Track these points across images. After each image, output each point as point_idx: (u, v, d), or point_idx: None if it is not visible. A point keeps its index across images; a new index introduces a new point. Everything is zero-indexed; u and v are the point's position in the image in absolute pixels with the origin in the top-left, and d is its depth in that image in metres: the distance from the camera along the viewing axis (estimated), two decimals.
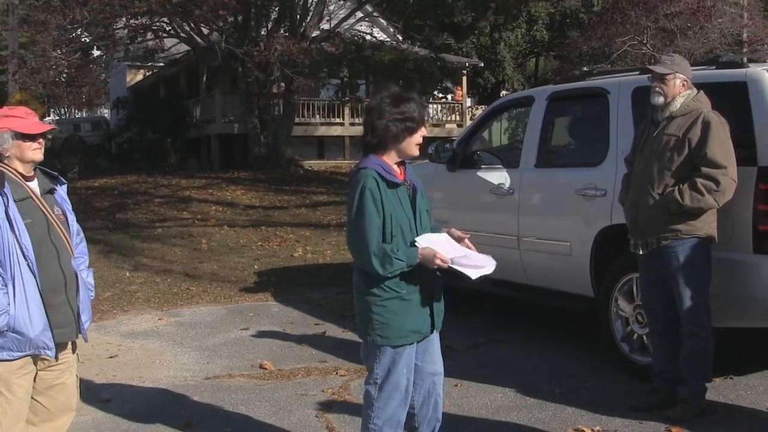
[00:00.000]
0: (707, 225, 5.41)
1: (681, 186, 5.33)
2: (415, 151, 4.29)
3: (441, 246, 4.18)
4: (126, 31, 23.50)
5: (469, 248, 4.36)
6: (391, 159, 4.24)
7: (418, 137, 4.24)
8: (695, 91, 5.54)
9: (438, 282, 4.36)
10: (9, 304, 3.80)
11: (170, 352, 7.87)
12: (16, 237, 3.82)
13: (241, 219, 16.79)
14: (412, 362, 4.34)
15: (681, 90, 5.51)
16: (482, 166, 8.11)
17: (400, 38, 29.42)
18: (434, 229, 4.39)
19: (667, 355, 5.66)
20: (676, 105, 5.49)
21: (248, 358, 7.55)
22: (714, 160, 5.28)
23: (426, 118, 4.41)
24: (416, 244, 4.13)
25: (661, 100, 5.52)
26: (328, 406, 6.06)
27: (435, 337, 4.45)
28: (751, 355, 6.49)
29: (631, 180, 5.77)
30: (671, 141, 5.43)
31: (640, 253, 5.63)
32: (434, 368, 4.47)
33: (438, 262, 4.09)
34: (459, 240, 4.36)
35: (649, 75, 5.66)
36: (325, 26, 25.81)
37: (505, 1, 23.30)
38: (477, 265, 4.23)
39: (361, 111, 31.61)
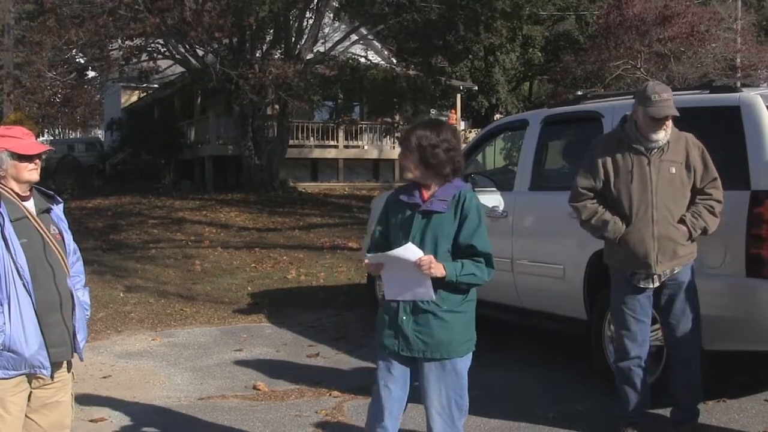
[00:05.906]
0: (696, 247, 5.43)
1: (702, 212, 5.26)
2: (405, 174, 4.38)
3: (399, 258, 4.12)
4: (121, 52, 23.55)
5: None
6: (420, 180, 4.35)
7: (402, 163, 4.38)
8: None
9: (412, 305, 4.24)
10: (4, 324, 3.80)
11: (164, 373, 7.85)
12: (11, 257, 3.82)
13: (234, 240, 16.80)
14: (391, 377, 4.33)
15: None
16: (476, 189, 8.10)
17: (395, 61, 29.46)
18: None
19: (644, 390, 5.55)
20: (668, 132, 5.45)
21: (242, 379, 7.54)
22: (719, 183, 5.30)
23: (410, 142, 4.26)
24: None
25: (664, 135, 5.29)
26: (321, 428, 6.05)
27: (430, 367, 4.34)
28: (743, 379, 6.49)
29: (635, 213, 5.33)
30: (677, 167, 5.30)
31: (653, 285, 5.34)
32: (429, 397, 4.33)
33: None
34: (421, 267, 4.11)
35: (666, 116, 5.26)
36: (320, 49, 25.90)
37: (497, 19, 23.26)
38: (401, 289, 4.22)
39: (355, 133, 31.73)
